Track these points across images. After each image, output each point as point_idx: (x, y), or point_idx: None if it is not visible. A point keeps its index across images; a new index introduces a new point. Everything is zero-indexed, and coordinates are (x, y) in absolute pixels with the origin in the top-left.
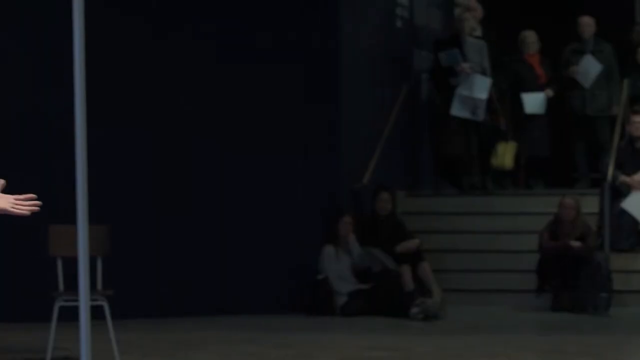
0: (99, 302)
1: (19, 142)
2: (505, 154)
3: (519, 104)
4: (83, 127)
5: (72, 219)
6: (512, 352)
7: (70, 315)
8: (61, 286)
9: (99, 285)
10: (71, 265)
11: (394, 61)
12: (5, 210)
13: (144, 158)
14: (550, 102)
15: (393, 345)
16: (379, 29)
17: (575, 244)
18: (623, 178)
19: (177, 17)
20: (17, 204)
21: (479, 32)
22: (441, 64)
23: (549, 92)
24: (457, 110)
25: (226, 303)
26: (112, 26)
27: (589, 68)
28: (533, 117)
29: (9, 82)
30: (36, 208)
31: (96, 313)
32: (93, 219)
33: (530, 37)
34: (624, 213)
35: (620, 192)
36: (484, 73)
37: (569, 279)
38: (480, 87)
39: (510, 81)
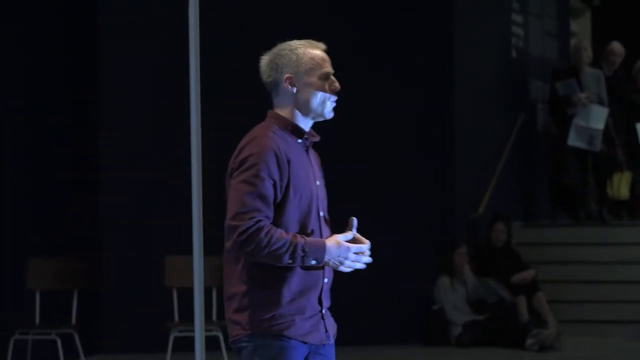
0: (214, 333)
1: (138, 176)
2: (620, 184)
3: (635, 134)
4: (199, 161)
5: (187, 250)
6: None
7: (185, 346)
8: (176, 317)
9: (214, 316)
10: (186, 295)
11: (509, 91)
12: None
13: None
14: None
15: None
16: (495, 59)
17: None
18: None
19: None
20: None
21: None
22: (558, 94)
23: None
24: (574, 140)
25: (341, 334)
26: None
27: None
28: None
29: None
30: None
31: (211, 343)
32: (208, 249)
33: None
34: None
35: None
36: (601, 103)
37: None
38: (597, 117)
39: (625, 111)
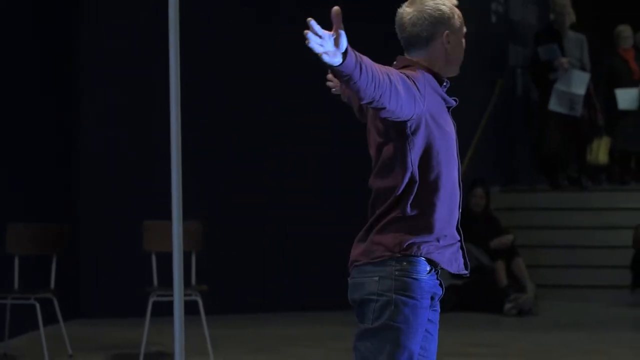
0: (192, 297)
1: (117, 141)
2: (599, 150)
3: (613, 99)
4: (178, 126)
5: (166, 215)
6: (607, 348)
7: (164, 310)
8: (155, 281)
9: (193, 281)
10: (165, 260)
11: (489, 56)
12: None
13: (237, 154)
14: None
15: (490, 341)
16: (474, 24)
17: None
18: None
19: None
20: None
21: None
22: (540, 59)
23: None
24: (555, 105)
25: (318, 299)
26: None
27: None
28: (627, 112)
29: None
30: None
31: (190, 308)
32: (187, 214)
33: (626, 32)
34: None
35: None
36: (583, 68)
37: None
38: (579, 83)
39: (604, 76)
